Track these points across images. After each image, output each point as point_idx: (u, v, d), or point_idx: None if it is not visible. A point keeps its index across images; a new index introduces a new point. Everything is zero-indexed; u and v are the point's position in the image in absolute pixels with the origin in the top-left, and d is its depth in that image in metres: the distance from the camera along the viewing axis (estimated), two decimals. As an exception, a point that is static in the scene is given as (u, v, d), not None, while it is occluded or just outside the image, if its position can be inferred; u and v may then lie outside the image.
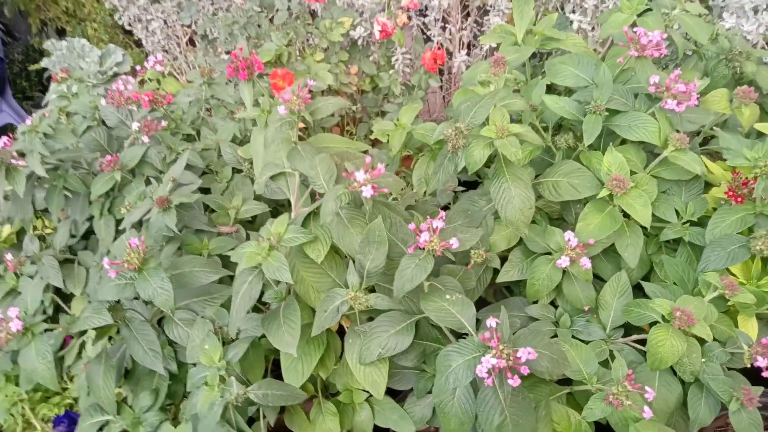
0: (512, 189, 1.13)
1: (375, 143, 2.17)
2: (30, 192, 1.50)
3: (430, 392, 1.23)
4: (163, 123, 1.53)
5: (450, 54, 2.30)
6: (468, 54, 2.30)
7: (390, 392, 1.33)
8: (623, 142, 1.29)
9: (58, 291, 1.59)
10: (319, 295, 1.20)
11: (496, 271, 1.29)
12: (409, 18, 2.20)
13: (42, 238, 1.79)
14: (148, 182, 1.51)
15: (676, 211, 1.21)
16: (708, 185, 1.29)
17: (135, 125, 1.49)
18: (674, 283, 1.18)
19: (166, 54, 2.78)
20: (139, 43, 3.07)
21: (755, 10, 1.75)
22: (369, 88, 2.15)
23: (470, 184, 1.79)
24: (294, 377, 1.17)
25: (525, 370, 0.88)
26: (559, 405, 1.05)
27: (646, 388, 0.95)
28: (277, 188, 1.42)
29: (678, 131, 1.17)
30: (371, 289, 1.17)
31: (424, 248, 1.05)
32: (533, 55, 2.01)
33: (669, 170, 1.20)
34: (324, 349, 1.21)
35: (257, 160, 1.39)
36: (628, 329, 1.19)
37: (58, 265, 1.48)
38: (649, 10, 1.35)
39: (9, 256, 1.47)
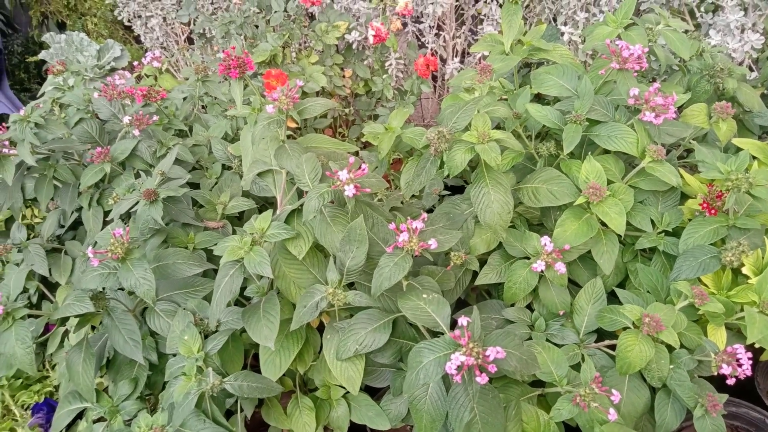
0: (492, 193, 1.16)
1: (366, 146, 2.20)
2: (19, 181, 1.52)
3: (406, 391, 1.25)
4: (155, 117, 1.55)
5: (443, 61, 2.33)
6: (461, 61, 2.33)
7: (368, 390, 1.35)
8: (605, 152, 1.32)
9: (44, 280, 1.61)
10: (300, 291, 1.22)
11: (475, 274, 1.32)
12: (404, 24, 2.24)
13: (30, 227, 1.81)
14: (137, 175, 1.53)
15: (652, 221, 1.24)
16: (685, 197, 1.32)
17: (126, 119, 1.51)
18: (648, 291, 1.21)
19: (164, 51, 2.81)
20: (138, 40, 3.10)
21: (741, 29, 1.78)
22: (362, 92, 2.18)
23: (457, 188, 1.82)
24: (271, 370, 1.19)
25: (493, 368, 0.90)
26: (529, 405, 1.07)
27: (612, 390, 0.97)
28: (265, 186, 1.44)
29: (656, 143, 1.20)
30: (351, 287, 1.19)
31: (402, 248, 1.07)
32: (526, 65, 2.05)
33: (646, 181, 1.23)
34: (302, 344, 1.23)
35: (246, 157, 1.41)
36: (601, 335, 1.22)
37: (45, 253, 1.50)
38: (634, 24, 1.38)
39: (-4, 243, 1.49)
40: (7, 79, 3.01)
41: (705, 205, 1.20)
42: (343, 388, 1.33)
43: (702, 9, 1.90)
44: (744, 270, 1.17)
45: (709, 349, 1.09)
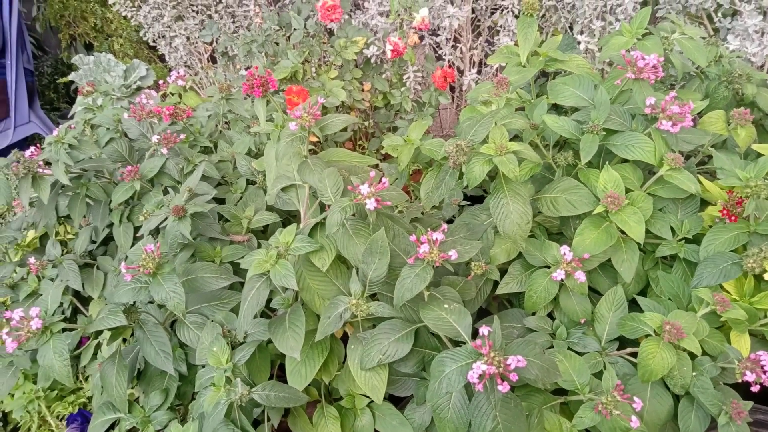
0: (510, 204, 1.18)
1: (386, 158, 2.23)
2: (54, 199, 1.58)
3: (429, 399, 1.27)
4: (182, 136, 1.61)
5: (461, 72, 2.36)
6: (479, 72, 2.35)
7: (392, 399, 1.37)
8: (623, 161, 1.33)
9: (77, 294, 1.67)
10: (324, 303, 1.25)
11: (496, 283, 1.33)
12: (421, 38, 2.27)
13: (64, 243, 1.87)
14: (166, 192, 1.59)
15: (672, 229, 1.24)
16: (705, 204, 1.32)
17: (155, 138, 1.56)
18: (669, 299, 1.21)
19: (188, 69, 2.88)
20: (162, 59, 3.19)
21: (760, 33, 1.78)
22: (381, 105, 2.22)
23: (477, 198, 1.84)
24: (297, 380, 1.22)
25: (514, 377, 0.92)
26: (552, 413, 1.08)
27: (634, 398, 0.97)
28: (288, 199, 1.48)
29: (674, 151, 1.21)
30: (374, 298, 1.22)
31: (423, 259, 1.09)
32: (543, 74, 2.06)
33: (665, 188, 1.23)
34: (327, 354, 1.26)
35: (269, 173, 1.45)
36: (623, 342, 1.22)
37: (78, 269, 1.56)
38: (650, 33, 1.39)
39: (32, 260, 1.55)
40: (38, 101, 3.12)
41: (725, 211, 1.21)
42: (368, 397, 1.35)
43: (719, 14, 1.90)
44: (766, 276, 1.17)
45: (733, 356, 1.09)
